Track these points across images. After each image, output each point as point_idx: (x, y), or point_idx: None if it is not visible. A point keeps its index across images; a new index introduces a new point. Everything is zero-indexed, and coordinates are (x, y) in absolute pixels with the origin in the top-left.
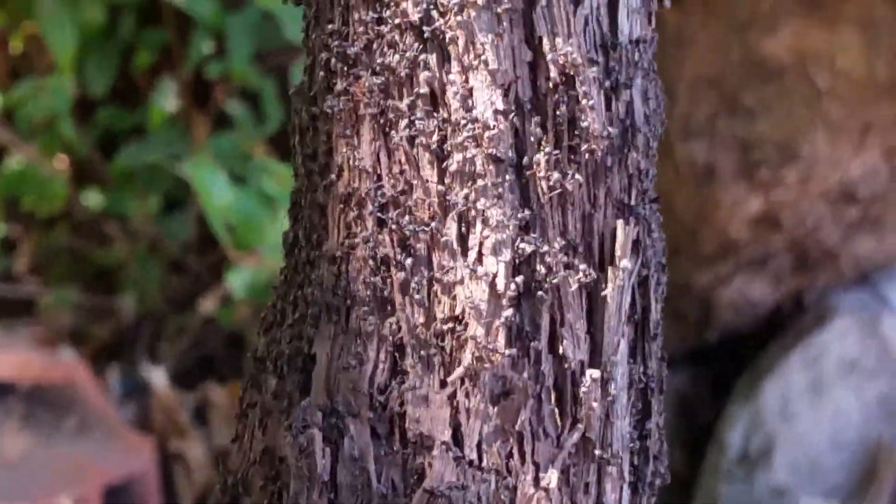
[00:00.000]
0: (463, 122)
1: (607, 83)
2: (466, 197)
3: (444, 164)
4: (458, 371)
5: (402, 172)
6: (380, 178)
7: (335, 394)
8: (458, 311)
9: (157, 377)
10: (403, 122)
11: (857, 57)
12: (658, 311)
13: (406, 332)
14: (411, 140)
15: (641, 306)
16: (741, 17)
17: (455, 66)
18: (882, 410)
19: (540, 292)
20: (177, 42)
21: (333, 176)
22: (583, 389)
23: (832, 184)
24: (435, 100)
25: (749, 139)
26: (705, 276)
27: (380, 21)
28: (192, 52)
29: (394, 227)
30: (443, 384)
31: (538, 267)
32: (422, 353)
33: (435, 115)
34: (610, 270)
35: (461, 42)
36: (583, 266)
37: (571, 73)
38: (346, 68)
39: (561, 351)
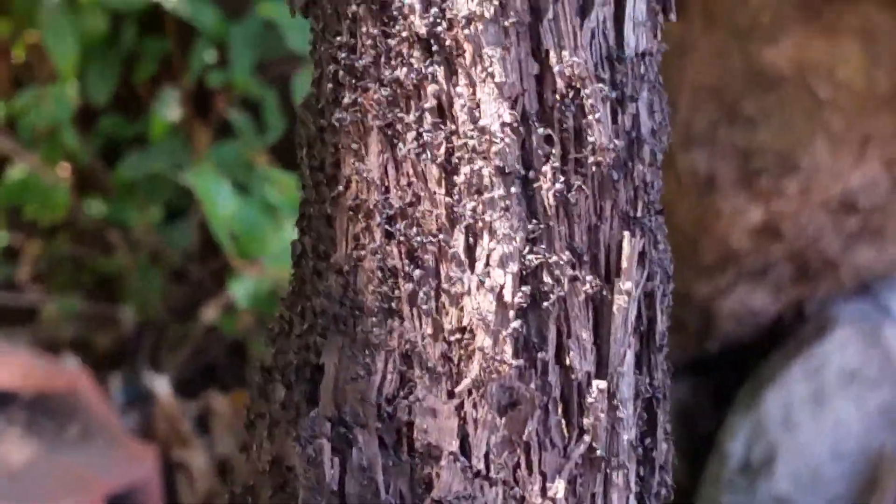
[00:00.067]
0: (470, 134)
1: (614, 96)
2: (474, 209)
3: (452, 176)
4: (466, 382)
5: (409, 184)
6: (387, 189)
7: (343, 404)
8: (465, 322)
9: (160, 386)
10: (411, 135)
11: (858, 68)
12: (664, 323)
13: (414, 343)
14: (419, 152)
15: (647, 318)
16: (742, 26)
17: (462, 79)
18: (883, 420)
19: (547, 304)
20: (178, 51)
21: (341, 187)
22: (589, 400)
23: (833, 194)
24: (442, 112)
25: (750, 149)
26: (706, 285)
27: (387, 34)
28: (194, 61)
29: (401, 238)
30: (450, 395)
31: (545, 278)
32: (429, 363)
33: (442, 127)
34: (616, 282)
35: (468, 55)
36: (589, 278)
37: (578, 85)
38: (353, 81)
39: (568, 362)
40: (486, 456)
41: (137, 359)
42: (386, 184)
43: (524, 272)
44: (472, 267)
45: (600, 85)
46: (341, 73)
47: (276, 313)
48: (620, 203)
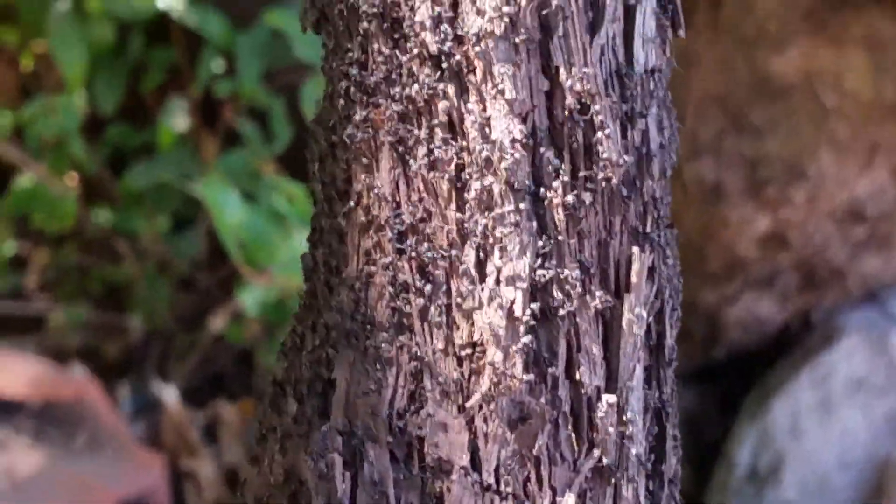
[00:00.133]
0: (481, 150)
1: (623, 112)
2: (484, 224)
3: (463, 192)
4: (477, 396)
5: (420, 200)
6: (399, 205)
7: (355, 418)
8: (476, 337)
9: (168, 395)
10: (422, 151)
11: (864, 77)
12: (673, 337)
13: (425, 358)
14: (430, 168)
15: (657, 332)
16: (749, 36)
17: (473, 96)
18: (890, 428)
19: (557, 319)
20: (186, 61)
21: (352, 203)
22: (599, 414)
23: (839, 203)
24: (453, 129)
25: (756, 157)
26: (712, 294)
27: (399, 51)
28: (202, 70)
29: (413, 254)
30: (461, 409)
31: (555, 293)
32: (440, 378)
33: (453, 143)
34: (626, 297)
35: (479, 72)
36: (599, 293)
37: (588, 102)
38: (365, 97)
39: (577, 376)
40: (497, 470)
41: (145, 368)
42: (397, 199)
43: (534, 287)
44: (482, 282)
45: (610, 101)
46: (352, 89)
47: (287, 327)
48: (630, 218)
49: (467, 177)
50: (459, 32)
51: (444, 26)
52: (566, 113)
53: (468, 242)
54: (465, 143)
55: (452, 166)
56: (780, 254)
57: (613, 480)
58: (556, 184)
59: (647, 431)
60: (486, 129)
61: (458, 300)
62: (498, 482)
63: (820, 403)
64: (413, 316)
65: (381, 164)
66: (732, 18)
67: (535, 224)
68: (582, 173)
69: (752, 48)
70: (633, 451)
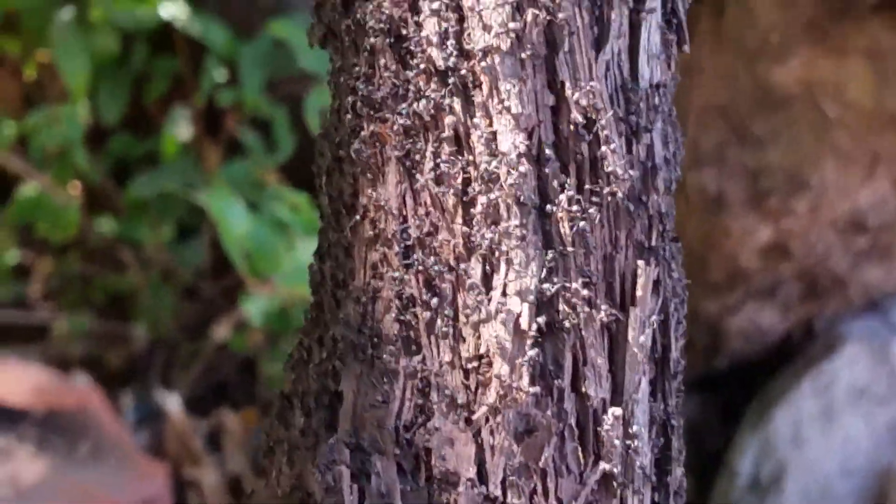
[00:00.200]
0: (487, 165)
1: (628, 127)
2: (491, 238)
3: (469, 206)
4: (483, 409)
5: (427, 214)
6: (405, 219)
7: (362, 431)
8: (482, 350)
9: (171, 403)
10: (429, 165)
11: (866, 87)
12: (678, 350)
13: (432, 371)
14: (436, 182)
15: (662, 345)
16: (750, 46)
17: (479, 111)
18: (892, 437)
19: (563, 332)
20: (189, 71)
21: (359, 217)
22: (605, 427)
23: (841, 213)
24: (459, 143)
25: (758, 168)
26: (714, 303)
27: (405, 66)
28: (205, 80)
29: (420, 267)
30: (468, 422)
31: (561, 307)
32: (447, 391)
33: (460, 158)
34: (631, 310)
35: (485, 87)
36: (604, 306)
37: (593, 116)
38: (372, 112)
39: (583, 389)
40: (503, 482)
41: (149, 376)
42: (404, 213)
43: (540, 301)
44: (489, 296)
45: (615, 116)
46: (359, 104)
47: (294, 340)
48: (635, 232)
49: (474, 191)
50: (466, 48)
51: (451, 42)
52: (572, 128)
53: (474, 256)
54: (471, 158)
55: (459, 181)
56: (782, 263)
57: (619, 492)
58: (561, 198)
59: (653, 443)
60: (493, 144)
61: (465, 313)
62: (504, 494)
63: (822, 412)
64: (420, 329)
65: (388, 179)
66: (734, 29)
67: (540, 238)
68: (587, 187)
69: (754, 59)
70: (639, 463)
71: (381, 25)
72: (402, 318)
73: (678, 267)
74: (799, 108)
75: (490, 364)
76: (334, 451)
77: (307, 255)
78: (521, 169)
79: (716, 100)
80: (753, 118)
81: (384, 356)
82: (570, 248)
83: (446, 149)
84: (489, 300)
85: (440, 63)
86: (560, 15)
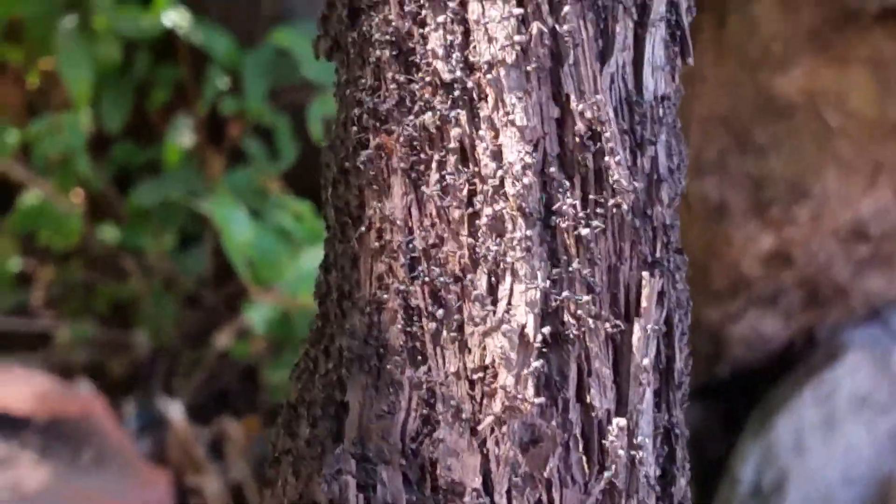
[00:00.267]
0: (492, 177)
1: (633, 139)
2: (496, 250)
3: (474, 217)
4: (488, 419)
5: (432, 225)
6: (411, 231)
7: (368, 441)
8: (487, 360)
9: (174, 411)
10: (434, 177)
11: (868, 97)
12: (682, 360)
13: (437, 382)
14: (442, 194)
15: (666, 356)
16: (753, 56)
17: (484, 123)
18: (894, 445)
19: (567, 343)
20: (192, 79)
21: (364, 228)
22: (610, 438)
23: (843, 222)
24: (465, 155)
25: (760, 177)
26: (716, 311)
27: (411, 79)
28: (208, 88)
29: (425, 279)
30: (473, 432)
31: (566, 318)
32: (452, 401)
33: (465, 170)
34: (636, 321)
35: (491, 99)
36: (609, 317)
37: (598, 129)
38: (378, 124)
39: (588, 400)
40: (509, 492)
41: (151, 384)
42: (409, 225)
43: (545, 312)
44: (494, 307)
45: (620, 128)
46: (365, 116)
47: (301, 350)
48: (640, 244)
49: (479, 203)
50: (471, 60)
51: (456, 54)
52: (577, 140)
53: (480, 267)
54: (476, 170)
55: (464, 192)
56: (783, 272)
57: (623, 503)
58: (566, 210)
59: (657, 453)
60: (498, 156)
61: (470, 324)
62: None
63: (823, 420)
64: (425, 340)
65: (394, 190)
66: (737, 39)
67: (546, 249)
68: (592, 199)
69: (757, 68)
70: (643, 473)
71: (388, 38)
72: (407, 329)
73: (682, 278)
74: (801, 117)
75: (495, 375)
76: (340, 461)
77: (310, 264)
78: (526, 181)
79: (718, 109)
80: (756, 127)
81: (390, 367)
82: (574, 260)
83: (452, 161)
84: (494, 311)
85: (446, 75)
86: (565, 28)
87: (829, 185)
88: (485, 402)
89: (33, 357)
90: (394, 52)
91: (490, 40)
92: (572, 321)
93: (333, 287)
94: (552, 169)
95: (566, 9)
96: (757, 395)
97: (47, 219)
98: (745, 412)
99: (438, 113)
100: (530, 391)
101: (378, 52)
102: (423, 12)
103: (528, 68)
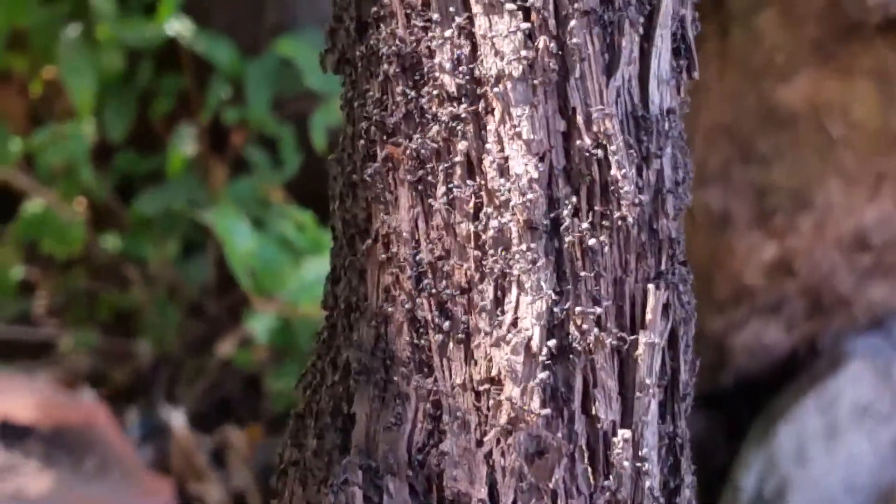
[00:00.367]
0: (499, 190)
1: (639, 152)
2: (502, 262)
3: (481, 230)
4: (494, 431)
5: (439, 238)
6: (418, 243)
7: (375, 452)
8: (494, 372)
9: (176, 420)
10: (441, 190)
11: (871, 108)
12: (687, 372)
13: (444, 393)
14: (448, 207)
15: (671, 368)
16: (756, 66)
17: (491, 136)
18: None
19: (573, 355)
20: (195, 88)
21: (371, 241)
22: (615, 450)
23: (846, 231)
24: (471, 168)
25: (764, 187)
26: (719, 320)
27: (418, 92)
28: (211, 97)
29: (432, 291)
30: (479, 443)
31: (571, 330)
32: (459, 413)
33: (472, 183)
34: (641, 334)
35: (497, 113)
36: (614, 329)
37: (604, 142)
38: (385, 137)
39: (593, 411)
40: (514, 503)
41: (153, 393)
42: (416, 237)
43: (551, 324)
44: (500, 319)
45: (626, 142)
46: (373, 129)
47: (308, 361)
48: (645, 257)
49: (485, 215)
50: (478, 74)
51: (463, 68)
52: (583, 153)
53: (486, 280)
54: (483, 183)
55: (471, 205)
56: (786, 281)
57: None
58: (572, 222)
59: (662, 464)
60: (505, 169)
61: (477, 336)
62: None
63: (826, 429)
64: (432, 352)
65: (401, 203)
66: (740, 49)
67: (552, 262)
68: (598, 212)
69: (760, 78)
70: (648, 484)
71: (395, 52)
72: (414, 340)
73: (687, 290)
74: (804, 127)
75: (501, 386)
76: (347, 472)
77: (312, 273)
78: (533, 194)
79: (722, 119)
80: (759, 137)
81: (397, 378)
82: (580, 272)
83: (458, 174)
84: (500, 323)
85: (453, 89)
86: (571, 42)
87: (832, 195)
88: (491, 413)
89: (36, 365)
90: (401, 66)
91: (497, 54)
92: (578, 333)
93: (341, 299)
94: (558, 182)
95: (573, 23)
96: (760, 404)
97: (50, 227)
98: (748, 421)
99: (445, 126)
100: (536, 403)
101: (385, 66)
102: (431, 26)
103: (535, 82)
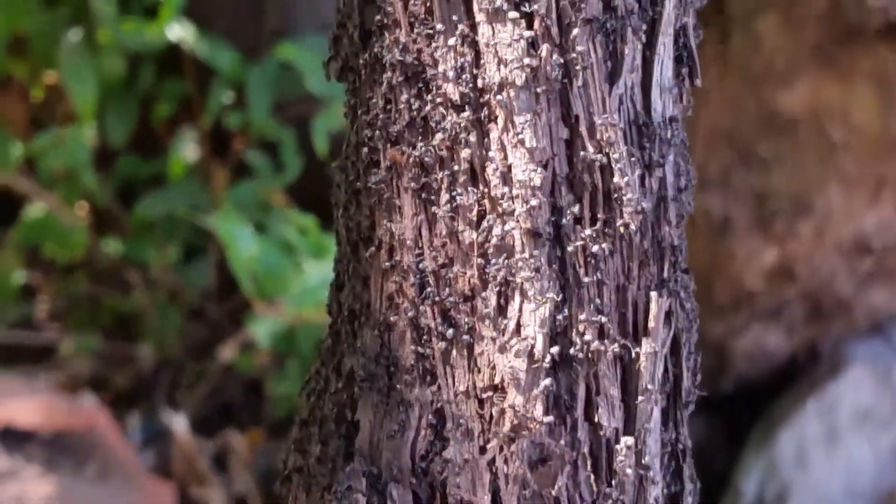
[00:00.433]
0: (502, 197)
1: (641, 160)
2: (505, 270)
3: (484, 238)
4: (498, 438)
5: (443, 246)
6: (421, 251)
7: (378, 459)
8: (497, 380)
9: (178, 424)
10: (444, 198)
11: (872, 112)
12: (689, 380)
13: (447, 400)
14: (452, 215)
15: (674, 375)
16: (757, 71)
17: (494, 144)
18: None
19: (576, 362)
20: (196, 92)
21: (375, 248)
22: (618, 457)
23: (846, 236)
24: (475, 176)
25: (764, 191)
26: (720, 325)
27: (422, 100)
28: (212, 102)
29: (435, 298)
30: (482, 451)
31: (574, 337)
32: (462, 420)
33: (475, 190)
34: (643, 341)
35: (501, 120)
36: (617, 337)
37: (607, 150)
38: (388, 145)
39: (596, 419)
40: None
41: (155, 397)
42: (420, 245)
43: (554, 331)
44: (503, 326)
45: (628, 149)
46: (376, 137)
47: (312, 368)
48: (648, 264)
49: (488, 223)
50: (481, 82)
51: (467, 76)
52: (585, 161)
53: (489, 287)
54: (486, 190)
55: (474, 213)
56: (786, 286)
57: None
58: (575, 230)
59: (665, 471)
60: (508, 177)
61: (480, 344)
62: None
63: (826, 434)
64: (435, 359)
65: (404, 211)
66: (740, 54)
67: (555, 269)
68: (601, 220)
69: (760, 83)
70: (651, 491)
71: (398, 60)
72: (417, 348)
73: (689, 298)
74: (804, 132)
75: (505, 394)
76: (351, 479)
77: (314, 278)
78: (536, 201)
79: (722, 124)
80: (759, 142)
81: (400, 386)
82: (583, 280)
83: (461, 181)
84: (504, 331)
85: (456, 97)
86: (574, 50)
87: (832, 200)
88: (494, 420)
89: (37, 370)
90: (404, 74)
91: (500, 62)
92: (581, 341)
93: (344, 306)
94: (561, 190)
95: (575, 31)
96: (760, 409)
97: (52, 232)
98: (749, 426)
99: (449, 134)
100: (539, 410)
101: (389, 74)
102: (434, 35)
103: (538, 90)
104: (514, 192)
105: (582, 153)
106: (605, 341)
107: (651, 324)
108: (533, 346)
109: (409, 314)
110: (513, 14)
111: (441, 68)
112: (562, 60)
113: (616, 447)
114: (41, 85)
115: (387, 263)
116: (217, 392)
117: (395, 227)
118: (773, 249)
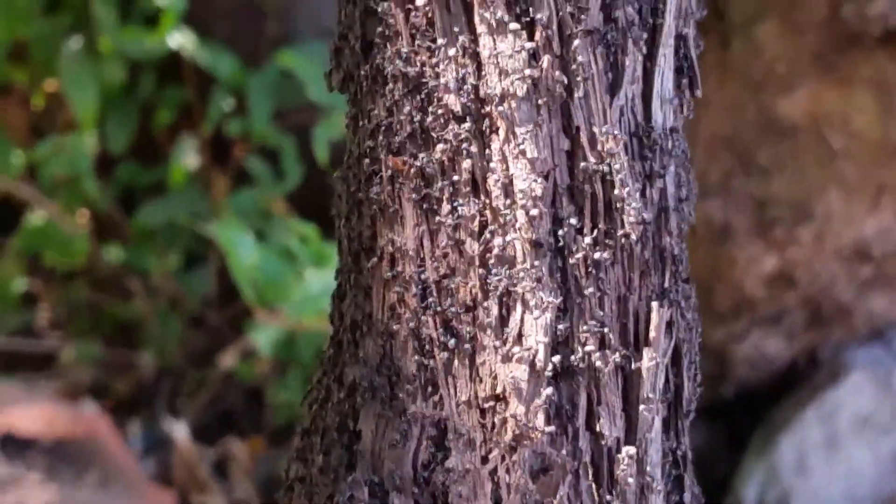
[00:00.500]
0: (503, 208)
1: (642, 171)
2: (507, 280)
3: (485, 248)
4: (499, 448)
5: (444, 256)
6: (423, 261)
7: (380, 469)
8: (499, 390)
9: (178, 431)
10: (446, 208)
11: (872, 119)
12: (690, 389)
13: (449, 410)
14: (453, 225)
15: (674, 384)
16: (757, 78)
17: (496, 155)
18: None
19: (577, 372)
20: (197, 100)
21: (376, 259)
22: (620, 466)
23: (846, 242)
24: (476, 186)
25: (764, 198)
26: (720, 332)
27: (423, 111)
28: (213, 109)
29: (437, 308)
30: (484, 460)
31: (576, 347)
32: (464, 430)
33: (476, 201)
34: (645, 351)
35: (502, 131)
36: (618, 347)
37: (608, 160)
38: (390, 155)
39: (598, 428)
40: None
41: (156, 404)
42: (421, 255)
43: (556, 341)
44: (505, 336)
45: (629, 160)
46: (378, 147)
47: (314, 378)
48: (649, 274)
49: (490, 233)
50: (482, 93)
51: (468, 87)
52: (587, 171)
53: (491, 297)
54: (487, 201)
55: (476, 223)
56: (787, 292)
57: None
58: (576, 240)
59: (666, 480)
60: (509, 187)
61: (482, 354)
62: None
63: (826, 440)
64: (437, 369)
65: (406, 221)
66: (740, 61)
67: (556, 280)
68: (602, 230)
69: (760, 90)
70: (653, 500)
71: (400, 71)
72: (419, 358)
73: (690, 307)
74: (804, 138)
75: (506, 404)
76: (353, 488)
77: (315, 286)
78: (537, 212)
79: (722, 130)
80: (759, 148)
81: (402, 396)
82: (585, 290)
83: (463, 192)
84: (505, 341)
85: (457, 108)
86: (575, 61)
87: (832, 207)
88: (496, 430)
89: (38, 377)
90: (406, 85)
91: (501, 73)
92: (582, 351)
93: (346, 316)
94: (563, 200)
95: (576, 42)
96: (760, 415)
97: (53, 239)
98: (749, 432)
99: (450, 145)
100: (541, 420)
101: (390, 85)
102: (436, 46)
103: (539, 101)
104: (516, 202)
105: (583, 164)
106: (607, 351)
107: (652, 334)
108: (534, 356)
109: (411, 324)
110: (514, 25)
111: (442, 79)
112: (563, 72)
113: (617, 456)
114: (42, 92)
115: (388, 274)
116: (218, 399)
117: (396, 237)
118: (773, 256)
